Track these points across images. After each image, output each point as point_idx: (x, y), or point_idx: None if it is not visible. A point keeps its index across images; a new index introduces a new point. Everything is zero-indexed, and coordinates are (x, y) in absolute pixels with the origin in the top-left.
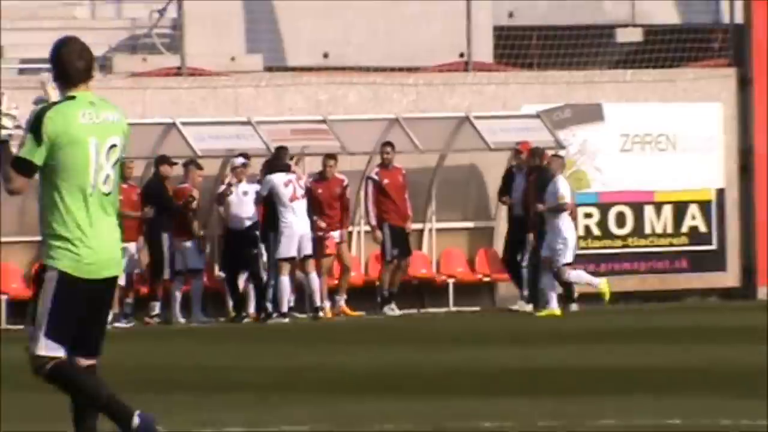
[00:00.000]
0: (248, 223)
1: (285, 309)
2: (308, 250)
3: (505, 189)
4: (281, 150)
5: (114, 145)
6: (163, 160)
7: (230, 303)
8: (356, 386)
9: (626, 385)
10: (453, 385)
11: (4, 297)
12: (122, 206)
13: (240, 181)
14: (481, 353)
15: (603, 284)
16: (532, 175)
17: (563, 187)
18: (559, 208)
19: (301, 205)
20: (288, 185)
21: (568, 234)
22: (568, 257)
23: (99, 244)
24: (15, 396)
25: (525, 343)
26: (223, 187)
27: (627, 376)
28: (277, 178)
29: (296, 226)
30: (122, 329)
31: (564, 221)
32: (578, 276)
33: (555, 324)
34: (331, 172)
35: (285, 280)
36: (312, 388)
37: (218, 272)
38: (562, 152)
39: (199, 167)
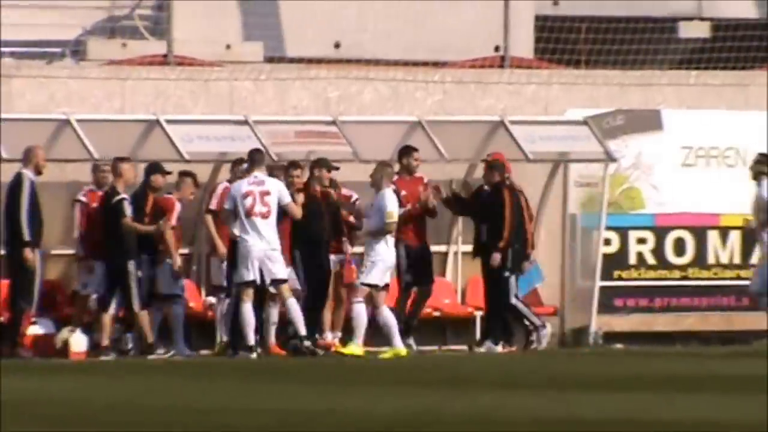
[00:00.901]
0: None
1: (251, 342)
2: (277, 273)
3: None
4: (254, 153)
5: None
6: (154, 169)
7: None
8: None
9: None
10: None
11: None
12: (96, 216)
13: None
14: (510, 399)
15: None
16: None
17: (391, 203)
18: (384, 230)
19: (264, 222)
20: (247, 197)
21: (386, 255)
22: (375, 278)
23: None
24: None
25: (562, 389)
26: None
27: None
28: (238, 187)
29: (253, 246)
30: (104, 363)
31: (388, 241)
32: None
33: (597, 368)
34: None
35: (245, 309)
36: None
37: (206, 297)
38: (613, 166)
39: (196, 183)
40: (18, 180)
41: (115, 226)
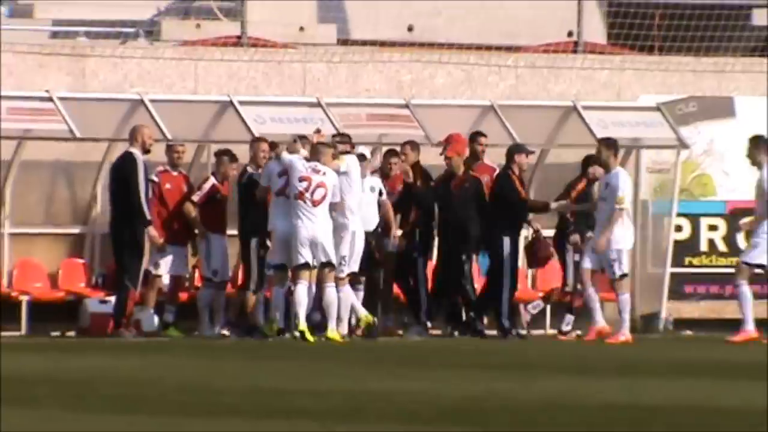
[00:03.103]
0: (375, 222)
1: (281, 324)
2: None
3: None
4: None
5: None
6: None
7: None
8: (436, 418)
9: (756, 428)
10: (548, 421)
11: (26, 298)
12: (169, 197)
13: (364, 175)
14: (581, 384)
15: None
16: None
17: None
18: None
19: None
20: (281, 176)
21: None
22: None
23: None
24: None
25: (633, 375)
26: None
27: (756, 419)
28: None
29: (281, 228)
30: (161, 342)
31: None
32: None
33: (666, 354)
34: (394, 170)
35: (275, 292)
36: (383, 417)
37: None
38: (685, 152)
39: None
40: (129, 160)
41: (246, 203)
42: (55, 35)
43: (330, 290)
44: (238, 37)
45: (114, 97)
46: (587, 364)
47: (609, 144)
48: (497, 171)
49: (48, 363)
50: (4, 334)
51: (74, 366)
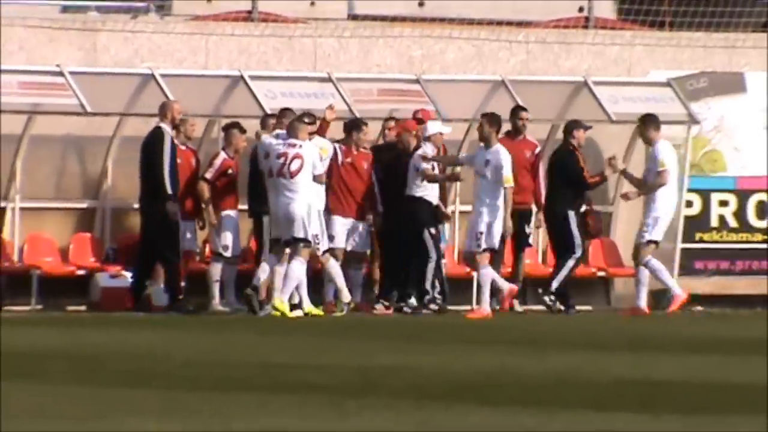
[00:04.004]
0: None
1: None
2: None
3: None
4: (285, 111)
5: None
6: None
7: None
8: (447, 393)
9: (764, 403)
10: (559, 396)
11: (36, 272)
12: (179, 172)
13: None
14: (592, 360)
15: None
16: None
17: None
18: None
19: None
20: (267, 158)
21: None
22: None
23: None
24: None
25: (643, 350)
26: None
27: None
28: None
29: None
30: (171, 317)
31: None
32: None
33: (677, 330)
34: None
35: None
36: (394, 393)
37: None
38: (695, 128)
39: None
40: (158, 134)
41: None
42: (65, 10)
43: (293, 263)
44: (249, 12)
45: (125, 72)
46: (598, 340)
47: (491, 120)
48: (538, 148)
49: (59, 337)
50: (14, 308)
51: (85, 341)
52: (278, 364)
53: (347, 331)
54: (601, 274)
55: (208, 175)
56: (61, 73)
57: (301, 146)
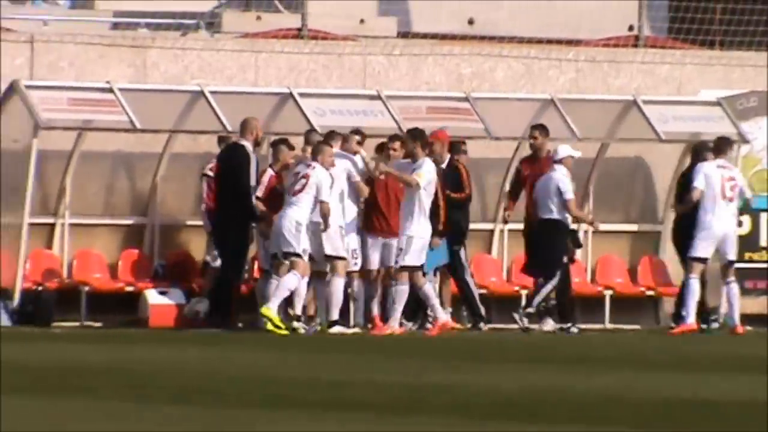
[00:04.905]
0: None
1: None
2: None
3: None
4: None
5: None
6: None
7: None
8: (494, 411)
9: None
10: (607, 415)
11: (85, 289)
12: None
13: None
14: (640, 379)
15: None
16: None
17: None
18: None
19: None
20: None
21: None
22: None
23: None
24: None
25: (693, 370)
26: None
27: None
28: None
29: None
30: (219, 333)
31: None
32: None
33: (726, 349)
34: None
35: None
36: (442, 410)
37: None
38: (745, 147)
39: (290, 147)
40: (241, 152)
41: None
42: (116, 26)
43: (287, 275)
44: (299, 30)
45: (174, 89)
46: (646, 359)
47: (414, 135)
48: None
49: (107, 354)
50: (63, 324)
51: (133, 357)
52: (327, 381)
53: (395, 349)
54: (649, 293)
55: (259, 193)
56: (111, 90)
57: (313, 168)
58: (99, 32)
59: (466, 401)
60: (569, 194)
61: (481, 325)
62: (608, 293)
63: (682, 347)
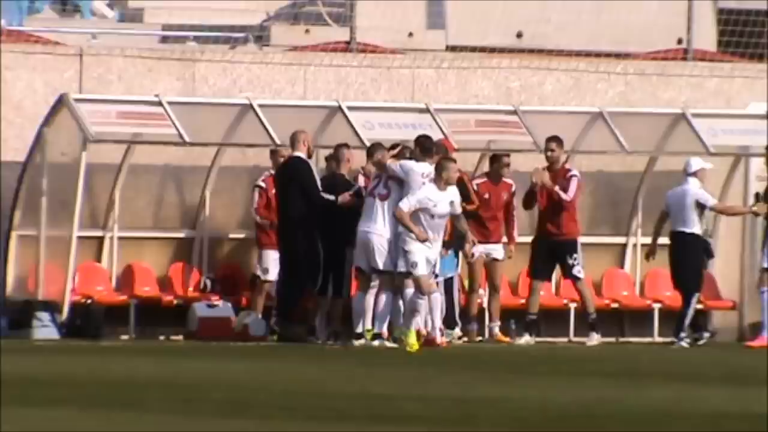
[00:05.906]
0: None
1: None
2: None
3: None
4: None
5: None
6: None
7: None
8: (546, 425)
9: None
10: (658, 428)
11: (134, 302)
12: (268, 203)
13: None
14: (690, 392)
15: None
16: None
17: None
18: None
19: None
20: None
21: None
22: None
23: None
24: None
25: (743, 383)
26: None
27: None
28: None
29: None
30: (269, 346)
31: None
32: None
33: None
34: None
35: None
36: (493, 424)
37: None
38: None
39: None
40: (301, 164)
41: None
42: (164, 40)
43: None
44: (347, 43)
45: (223, 102)
46: (697, 372)
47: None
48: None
49: (156, 367)
50: (112, 337)
51: (182, 370)
52: (376, 395)
53: (445, 363)
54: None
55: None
56: (159, 103)
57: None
58: (148, 45)
59: (516, 414)
60: (711, 201)
61: (451, 331)
62: (657, 306)
63: (732, 360)
